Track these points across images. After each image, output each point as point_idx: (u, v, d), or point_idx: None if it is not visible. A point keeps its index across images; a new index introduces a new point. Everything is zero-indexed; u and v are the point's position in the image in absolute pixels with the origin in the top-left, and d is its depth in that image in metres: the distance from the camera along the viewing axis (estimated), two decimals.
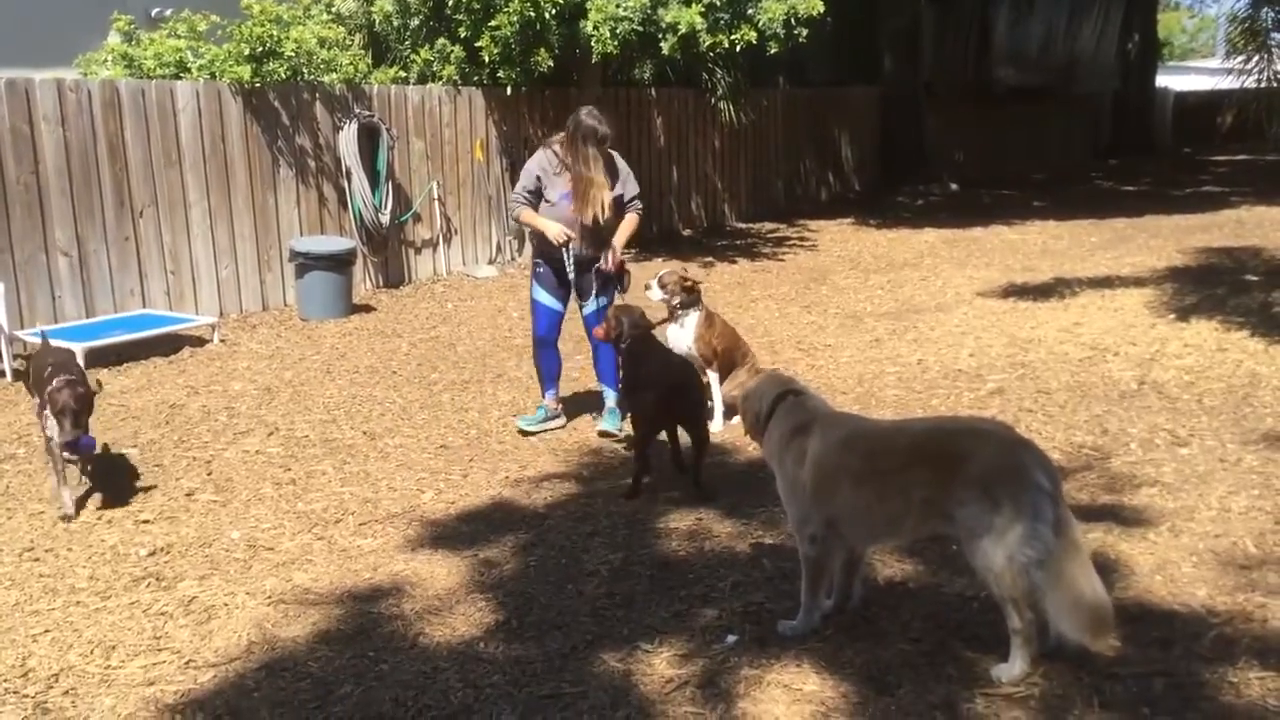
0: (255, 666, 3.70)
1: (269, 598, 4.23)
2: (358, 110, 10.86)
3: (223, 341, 8.85)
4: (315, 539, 4.85)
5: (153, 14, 11.14)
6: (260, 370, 8.01)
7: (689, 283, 6.32)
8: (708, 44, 11.23)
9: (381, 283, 11.29)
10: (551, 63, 11.53)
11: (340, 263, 9.95)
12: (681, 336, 6.31)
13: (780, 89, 16.98)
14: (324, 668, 3.68)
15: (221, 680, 3.61)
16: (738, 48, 11.37)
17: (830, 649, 3.61)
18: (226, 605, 4.17)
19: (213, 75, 10.00)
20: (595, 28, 10.95)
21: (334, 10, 12.23)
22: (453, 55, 11.82)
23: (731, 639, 3.74)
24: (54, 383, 5.05)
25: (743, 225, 15.71)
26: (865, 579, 3.99)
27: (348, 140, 10.68)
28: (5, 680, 3.62)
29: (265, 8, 10.20)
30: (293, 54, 10.24)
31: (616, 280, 6.26)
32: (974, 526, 3.26)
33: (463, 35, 11.63)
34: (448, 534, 4.83)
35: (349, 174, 10.74)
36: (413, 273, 11.69)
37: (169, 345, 8.52)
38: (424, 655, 3.74)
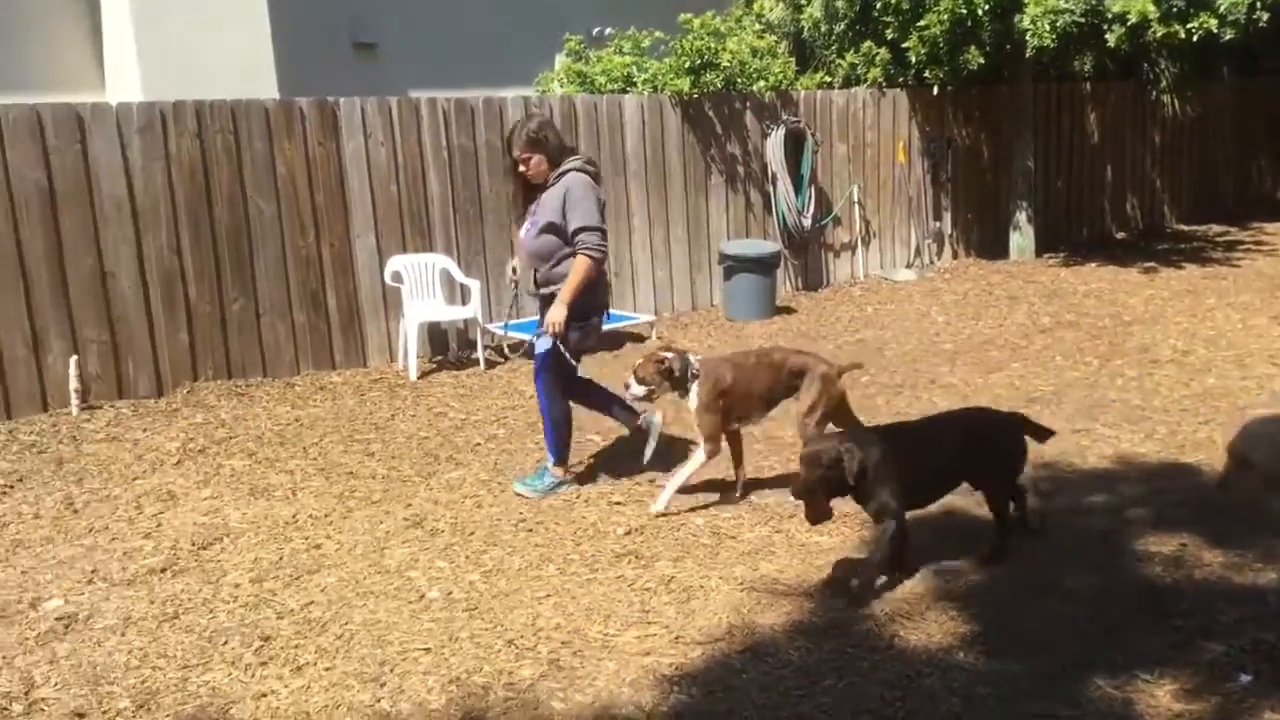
0: (739, 649, 3.86)
1: (740, 584, 4.41)
2: (784, 116, 11.10)
3: (659, 338, 9.37)
4: (773, 531, 4.99)
5: (593, 33, 12.00)
6: None
7: (665, 365, 5.23)
8: (1160, 34, 10.37)
9: (801, 285, 11.47)
10: (982, 60, 11.17)
11: (766, 265, 10.22)
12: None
13: (1227, 79, 15.39)
14: (804, 657, 3.77)
15: (710, 658, 3.81)
16: (1194, 36, 10.41)
17: None
18: (703, 587, 4.39)
19: (655, 88, 10.61)
20: (1033, 22, 10.48)
21: (764, 20, 12.56)
22: (878, 58, 11.78)
23: (1245, 678, 3.43)
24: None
25: (1185, 228, 14.43)
26: None
27: (774, 146, 10.95)
28: (521, 638, 4.02)
29: (704, 21, 10.68)
30: (728, 64, 10.64)
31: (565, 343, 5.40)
32: None
33: (889, 37, 11.56)
34: None
35: (774, 179, 11.01)
36: (830, 275, 11.78)
37: (614, 341, 9.14)
38: (902, 657, 3.74)
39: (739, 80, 10.89)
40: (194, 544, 5.03)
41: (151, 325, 7.69)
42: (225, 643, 4.02)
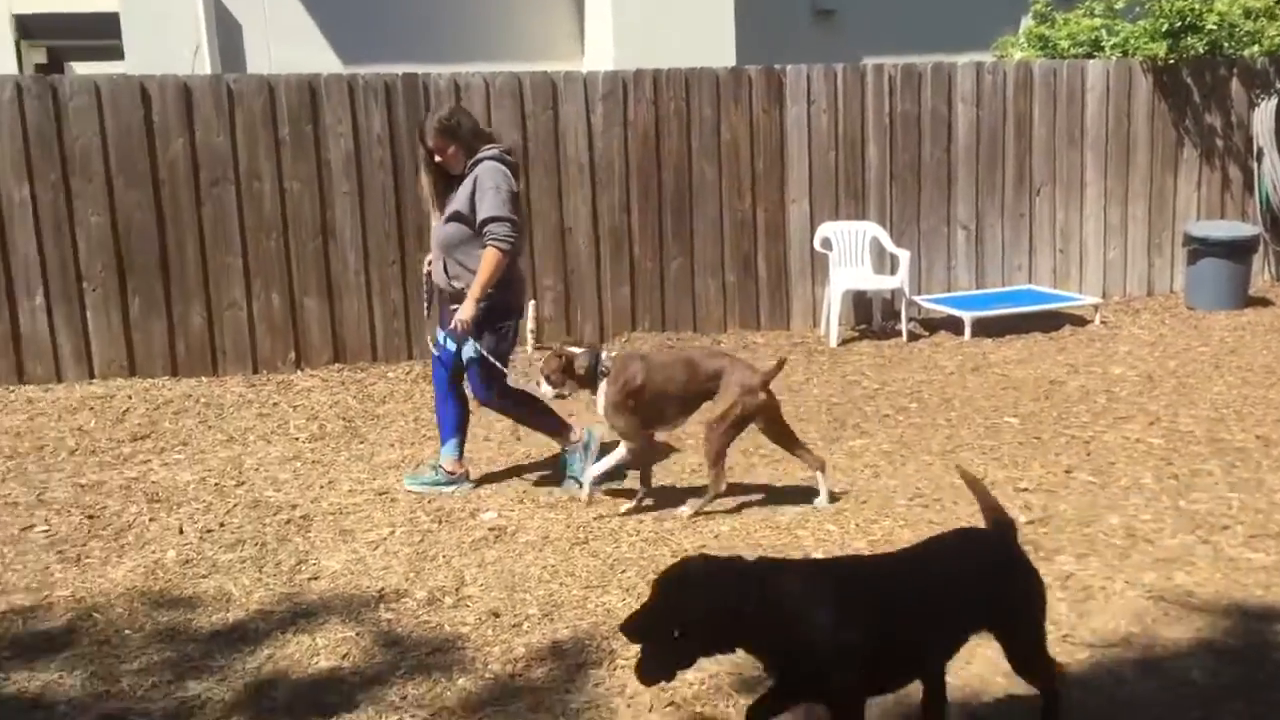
0: (1133, 658, 3.57)
1: (1148, 592, 4.05)
2: (1278, 84, 9.79)
3: (1104, 323, 8.72)
4: (1199, 541, 4.52)
5: None
6: (1142, 356, 7.73)
7: (563, 360, 4.98)
8: None
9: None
10: None
11: (1239, 251, 9.14)
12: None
13: None
14: (1208, 679, 3.41)
15: (1097, 663, 3.55)
16: None
17: None
18: (1104, 589, 4.08)
19: (1124, 53, 9.78)
20: None
21: None
22: None
23: None
24: None
25: None
26: None
27: (1264, 117, 9.71)
28: None
29: None
30: (1214, 27, 9.56)
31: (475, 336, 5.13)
32: None
33: None
34: None
35: (1260, 154, 9.77)
36: None
37: (1050, 322, 8.63)
38: None
39: (1226, 44, 9.74)
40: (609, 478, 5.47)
41: (599, 278, 8.38)
42: (623, 570, 4.35)
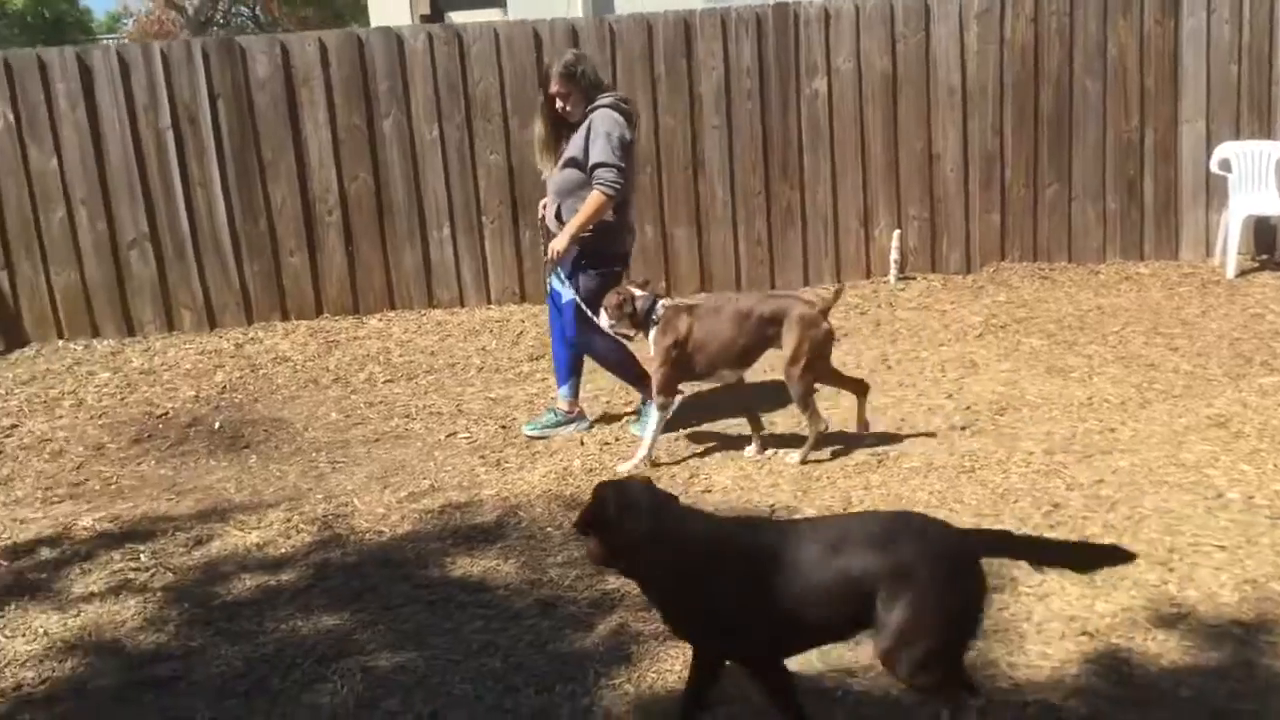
0: None
1: None
2: None
3: None
4: None
5: None
6: None
7: (623, 299, 4.95)
8: None
9: None
10: None
11: None
12: None
13: None
14: None
15: None
16: None
17: None
18: None
19: None
20: None
21: None
22: None
23: None
24: None
25: None
26: None
27: None
28: None
29: None
30: None
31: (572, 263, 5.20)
32: None
33: None
34: None
35: None
36: None
37: None
38: None
39: None
40: (992, 409, 5.37)
41: (967, 206, 8.14)
42: (1016, 501, 4.28)
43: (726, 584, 2.65)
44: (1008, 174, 8.09)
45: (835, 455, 4.90)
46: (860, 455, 4.87)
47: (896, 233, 8.03)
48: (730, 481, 4.71)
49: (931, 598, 2.53)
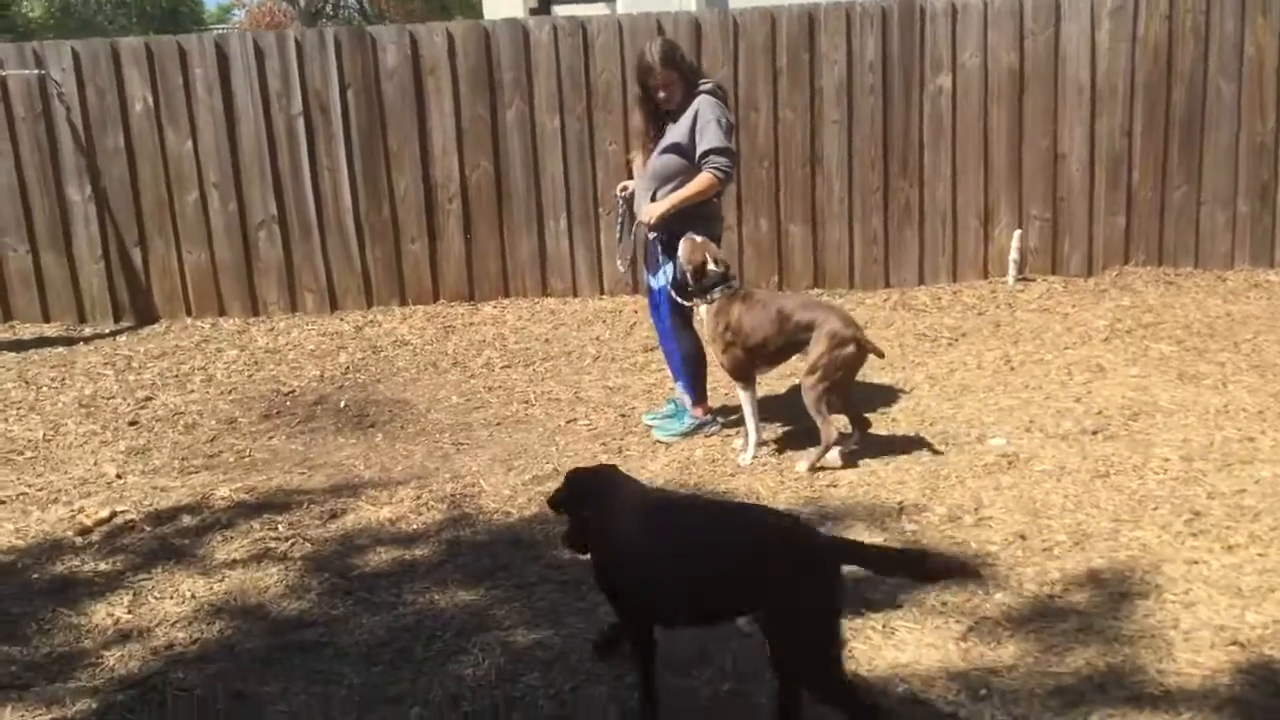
0: None
1: None
2: None
3: None
4: None
5: None
6: None
7: (704, 262, 4.91)
8: None
9: None
10: None
11: None
12: None
13: None
14: None
15: None
16: None
17: None
18: None
19: None
20: None
21: None
22: None
23: None
24: None
25: None
26: None
27: None
28: None
29: None
30: None
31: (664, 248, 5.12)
32: None
33: None
34: None
35: None
36: None
37: None
38: None
39: None
40: (1123, 414, 5.24)
41: (1091, 207, 7.95)
42: (1155, 508, 4.17)
43: (622, 548, 2.94)
44: (1135, 175, 7.88)
45: (965, 455, 4.84)
46: (990, 456, 4.80)
47: (1017, 233, 7.88)
48: (856, 477, 4.68)
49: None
